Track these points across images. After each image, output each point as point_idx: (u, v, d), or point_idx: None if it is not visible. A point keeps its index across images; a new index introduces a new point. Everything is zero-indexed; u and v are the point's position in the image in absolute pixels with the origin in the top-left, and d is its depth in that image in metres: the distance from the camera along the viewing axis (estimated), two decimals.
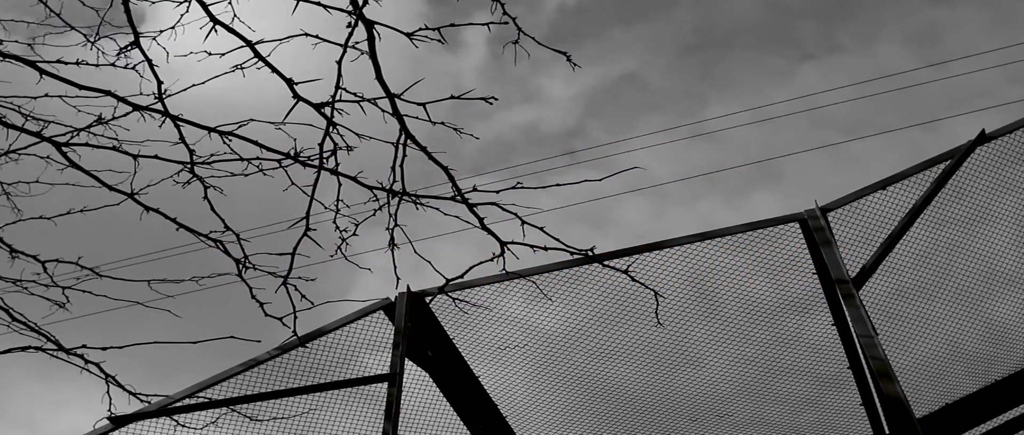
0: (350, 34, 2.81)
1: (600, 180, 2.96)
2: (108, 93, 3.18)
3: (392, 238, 3.27)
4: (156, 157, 3.41)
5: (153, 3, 3.07)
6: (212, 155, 3.35)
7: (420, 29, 2.82)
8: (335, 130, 3.04)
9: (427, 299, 5.53)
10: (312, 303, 3.55)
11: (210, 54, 2.97)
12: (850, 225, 5.16)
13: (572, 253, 3.06)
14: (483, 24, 2.85)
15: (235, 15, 2.90)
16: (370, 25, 2.77)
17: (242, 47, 2.89)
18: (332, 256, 3.42)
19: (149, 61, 3.06)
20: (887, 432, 5.65)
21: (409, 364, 5.66)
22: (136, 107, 3.18)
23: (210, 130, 3.15)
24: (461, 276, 3.19)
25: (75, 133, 3.46)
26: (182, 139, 3.26)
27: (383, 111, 2.94)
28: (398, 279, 3.28)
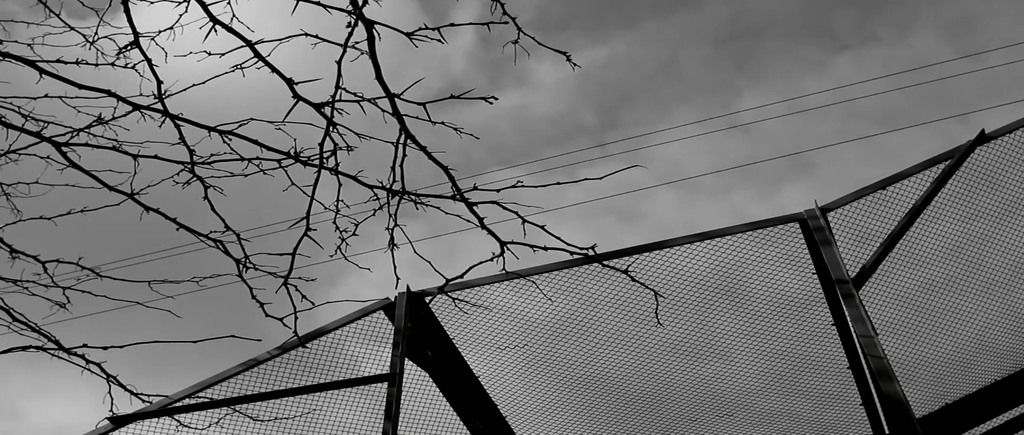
0: (350, 34, 2.82)
1: (600, 178, 2.96)
2: (108, 93, 3.18)
3: (392, 238, 3.27)
4: (156, 157, 3.41)
5: (153, 3, 3.07)
6: (212, 155, 3.35)
7: (420, 29, 2.82)
8: (335, 130, 3.04)
9: (427, 299, 5.53)
10: (312, 303, 3.56)
11: (210, 54, 2.97)
12: (850, 225, 5.16)
13: (572, 253, 3.07)
14: (483, 24, 2.86)
15: (234, 15, 2.90)
16: (370, 25, 2.78)
17: (242, 47, 2.89)
18: (332, 256, 3.42)
19: (149, 61, 3.06)
20: (887, 432, 5.65)
21: (409, 364, 5.66)
22: (136, 107, 3.18)
23: (210, 130, 3.15)
24: (461, 276, 3.19)
25: (75, 133, 3.47)
26: (182, 139, 3.26)
27: (383, 111, 2.94)
28: (398, 279, 3.28)
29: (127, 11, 2.95)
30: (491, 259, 3.19)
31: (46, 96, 3.57)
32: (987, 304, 5.30)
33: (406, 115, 2.94)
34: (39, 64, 3.22)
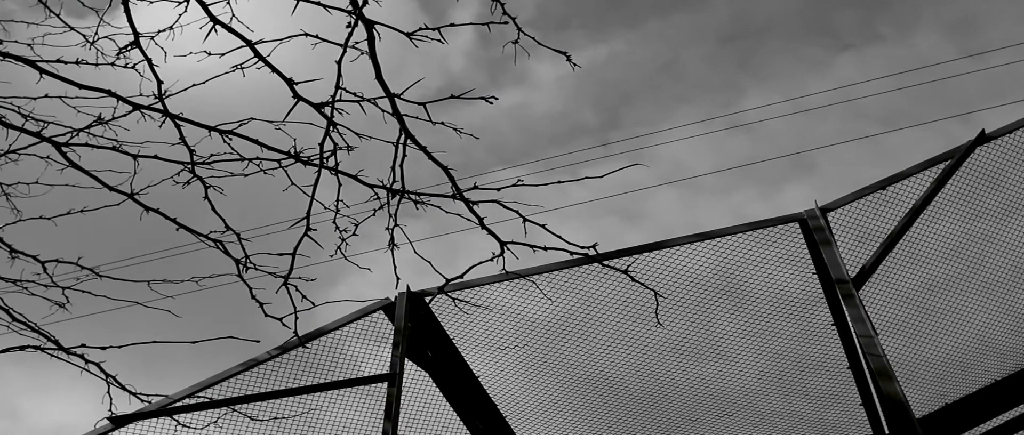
0: (350, 34, 2.82)
1: (601, 177, 2.96)
2: (108, 93, 3.18)
3: (392, 238, 3.27)
4: (156, 157, 3.41)
5: (153, 3, 3.06)
6: (212, 155, 3.35)
7: (420, 29, 2.82)
8: (335, 130, 3.04)
9: (427, 299, 5.53)
10: (312, 303, 3.56)
11: (210, 54, 2.97)
12: (851, 225, 5.16)
13: (572, 253, 3.06)
14: (483, 24, 2.85)
15: (234, 15, 2.90)
16: (370, 25, 2.78)
17: (242, 47, 2.89)
18: (332, 256, 3.42)
19: (149, 61, 3.06)
20: (887, 432, 5.65)
21: (409, 364, 5.66)
22: (136, 107, 3.18)
23: (210, 129, 3.15)
24: (461, 276, 3.19)
25: (75, 133, 3.46)
26: (182, 139, 3.26)
27: (383, 111, 2.94)
28: (398, 279, 3.28)
29: (127, 11, 2.95)
30: (491, 259, 3.19)
31: (46, 96, 3.57)
32: (988, 304, 5.30)
33: (406, 115, 2.94)
34: (39, 64, 3.22)
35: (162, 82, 3.09)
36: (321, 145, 3.06)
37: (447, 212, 3.12)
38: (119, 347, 3.71)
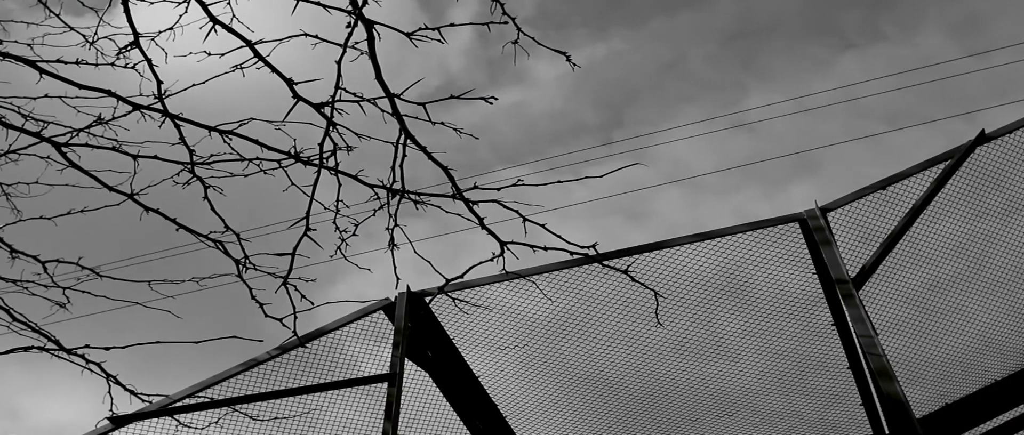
0: (350, 34, 2.82)
1: (601, 177, 2.96)
2: (108, 93, 3.18)
3: (392, 238, 3.27)
4: (156, 157, 3.41)
5: (153, 3, 3.06)
6: (212, 155, 3.35)
7: (420, 29, 2.82)
8: (335, 130, 3.04)
9: (427, 299, 5.53)
10: (312, 303, 3.56)
11: (210, 54, 2.97)
12: (853, 225, 5.16)
13: (573, 253, 3.06)
14: (483, 24, 2.85)
15: (234, 15, 2.90)
16: (370, 25, 2.78)
17: (242, 47, 2.89)
18: (332, 256, 3.42)
19: (149, 61, 3.06)
20: (887, 432, 5.65)
21: (409, 364, 5.66)
22: (136, 107, 3.18)
23: (210, 129, 3.15)
24: (461, 276, 3.19)
25: (75, 133, 3.46)
26: (182, 139, 3.26)
27: (383, 111, 2.94)
28: (398, 279, 3.28)
29: (127, 11, 2.95)
30: (491, 259, 3.19)
31: (46, 96, 3.57)
32: (991, 303, 5.30)
33: (406, 115, 2.94)
34: (39, 64, 3.22)
35: (162, 82, 3.09)
36: (321, 145, 3.06)
37: (447, 212, 3.12)
38: (122, 348, 3.71)
